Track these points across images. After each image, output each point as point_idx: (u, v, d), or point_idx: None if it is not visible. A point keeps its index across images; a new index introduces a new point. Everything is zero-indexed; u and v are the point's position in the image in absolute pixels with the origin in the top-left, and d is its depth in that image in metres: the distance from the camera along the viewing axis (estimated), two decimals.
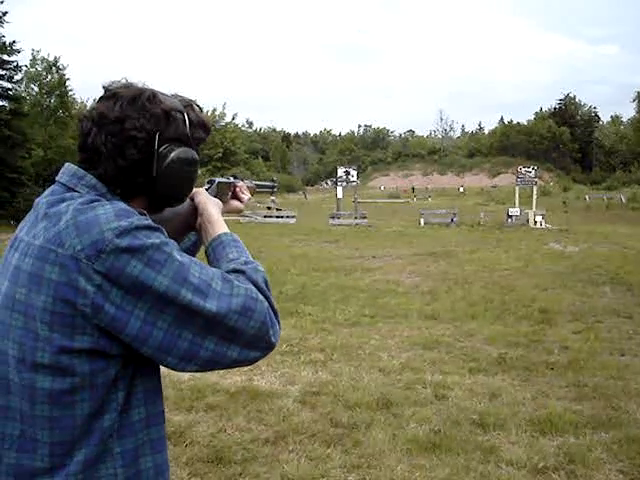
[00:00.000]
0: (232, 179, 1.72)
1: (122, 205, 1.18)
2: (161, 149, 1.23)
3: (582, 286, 10.35)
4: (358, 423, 4.44)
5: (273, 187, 2.11)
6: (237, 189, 1.71)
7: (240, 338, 1.17)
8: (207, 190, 1.57)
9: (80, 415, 1.13)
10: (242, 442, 4.13)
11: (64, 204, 1.18)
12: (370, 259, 14.18)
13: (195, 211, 1.45)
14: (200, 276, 1.15)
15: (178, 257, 1.14)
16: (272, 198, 38.35)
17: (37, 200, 1.26)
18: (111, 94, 1.25)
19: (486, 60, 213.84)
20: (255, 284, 1.22)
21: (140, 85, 1.29)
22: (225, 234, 1.37)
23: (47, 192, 1.25)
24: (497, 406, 4.81)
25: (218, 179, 1.65)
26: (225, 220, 1.44)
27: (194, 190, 1.44)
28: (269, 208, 32.23)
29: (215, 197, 1.55)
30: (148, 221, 1.17)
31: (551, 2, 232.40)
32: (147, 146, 1.22)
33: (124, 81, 1.29)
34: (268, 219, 27.51)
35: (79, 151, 1.26)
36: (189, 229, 1.49)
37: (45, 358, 1.12)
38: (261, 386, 5.25)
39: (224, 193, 1.64)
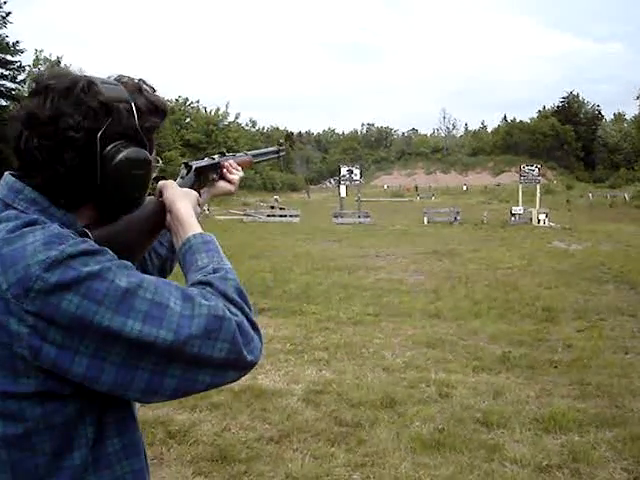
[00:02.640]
0: (217, 157, 1.51)
1: (55, 229, 1.00)
2: (105, 151, 1.06)
3: (586, 284, 10.33)
4: (362, 422, 4.45)
5: (278, 152, 1.80)
6: (224, 169, 1.51)
7: (209, 363, 1.02)
8: (183, 178, 1.39)
9: (42, 455, 1.02)
10: (246, 441, 4.14)
11: None
12: (373, 258, 14.17)
13: (164, 207, 1.25)
14: (153, 299, 0.99)
15: (123, 283, 0.97)
16: (275, 197, 38.50)
17: None
18: (41, 87, 1.07)
19: (490, 58, 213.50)
20: (225, 295, 1.07)
21: (76, 73, 1.10)
22: (194, 236, 1.18)
23: None
24: (501, 404, 4.81)
25: (195, 163, 1.44)
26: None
27: (162, 183, 1.28)
28: (272, 207, 32.28)
29: (194, 185, 1.39)
30: (85, 244, 1.00)
31: (556, 0, 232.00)
32: (87, 147, 1.05)
33: (57, 70, 1.11)
34: (271, 218, 27.51)
35: (15, 155, 1.09)
36: (158, 230, 1.28)
37: None
38: (265, 385, 5.26)
39: (206, 177, 1.46)
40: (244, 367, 1.07)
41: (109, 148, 1.07)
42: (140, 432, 1.18)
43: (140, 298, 0.98)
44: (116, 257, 1.03)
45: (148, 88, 1.19)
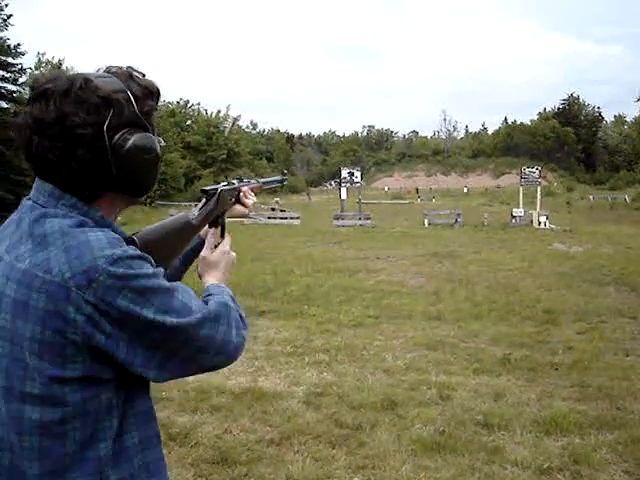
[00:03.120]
0: (236, 183, 1.67)
1: (112, 233, 1.13)
2: (113, 141, 1.12)
3: (586, 286, 10.33)
4: (363, 424, 4.45)
5: (282, 181, 2.03)
6: (241, 194, 1.66)
7: (212, 344, 1.19)
8: (207, 202, 1.51)
9: (71, 444, 1.09)
10: (247, 443, 4.14)
11: (48, 225, 1.10)
12: (374, 260, 14.17)
13: (191, 237, 1.45)
14: (182, 299, 1.15)
15: (166, 285, 1.14)
16: (276, 199, 38.49)
17: (16, 216, 1.18)
18: (41, 92, 1.12)
19: (490, 60, 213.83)
20: (221, 302, 1.28)
21: (69, 73, 1.16)
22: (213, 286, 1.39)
23: (26, 208, 1.17)
24: (502, 407, 4.80)
25: (221, 187, 1.58)
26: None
27: (203, 234, 1.51)
28: (273, 209, 32.28)
29: (217, 206, 1.52)
30: (137, 251, 1.13)
31: (557, 2, 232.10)
32: (96, 141, 1.11)
33: (50, 74, 1.16)
34: (272, 220, 27.51)
35: (28, 161, 1.15)
36: (178, 253, 1.48)
37: (35, 388, 1.06)
38: (266, 387, 5.26)
39: (227, 200, 1.60)
40: (234, 351, 1.25)
41: (117, 138, 1.13)
42: (158, 428, 1.26)
43: (175, 299, 1.13)
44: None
45: (138, 74, 1.22)
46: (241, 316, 1.30)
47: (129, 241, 1.18)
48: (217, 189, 1.55)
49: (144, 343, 1.10)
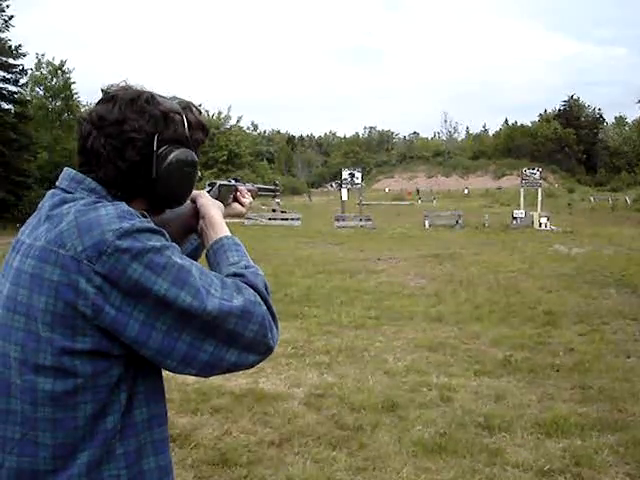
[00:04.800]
0: (233, 182, 1.71)
1: (124, 207, 1.17)
2: (160, 150, 1.23)
3: (587, 288, 10.32)
4: (363, 425, 4.44)
5: (275, 190, 2.10)
6: (238, 193, 1.71)
7: (239, 341, 1.16)
8: (208, 192, 1.56)
9: (83, 417, 1.13)
10: (247, 444, 4.14)
11: (66, 206, 1.18)
12: (375, 261, 14.17)
13: (196, 213, 1.44)
14: (200, 279, 1.14)
15: (179, 260, 1.14)
16: (277, 200, 38.44)
17: (40, 204, 1.26)
18: (110, 97, 1.24)
19: (491, 62, 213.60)
20: (255, 288, 1.22)
21: (139, 87, 1.28)
22: (227, 237, 1.37)
23: (47, 196, 1.25)
24: (502, 408, 4.80)
25: (220, 182, 1.64)
26: (228, 223, 1.44)
27: (196, 192, 1.44)
28: (274, 210, 32.27)
29: (216, 200, 1.54)
30: (150, 223, 1.16)
31: (558, 4, 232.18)
32: (146, 148, 1.22)
33: (123, 84, 1.29)
34: (273, 221, 27.53)
35: (78, 154, 1.26)
36: (190, 231, 1.48)
37: (47, 360, 1.11)
38: (266, 388, 5.26)
39: (226, 196, 1.64)
40: (266, 351, 1.21)
41: (164, 148, 1.24)
42: (167, 407, 1.29)
43: (191, 277, 1.13)
44: (170, 240, 1.19)
45: (195, 110, 1.36)
46: (272, 312, 1.24)
47: (143, 215, 1.19)
48: (216, 183, 1.62)
49: (159, 325, 1.11)
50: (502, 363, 6.00)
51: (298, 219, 27.47)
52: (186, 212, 1.44)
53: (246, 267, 1.28)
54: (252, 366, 1.23)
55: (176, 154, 1.25)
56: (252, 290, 1.21)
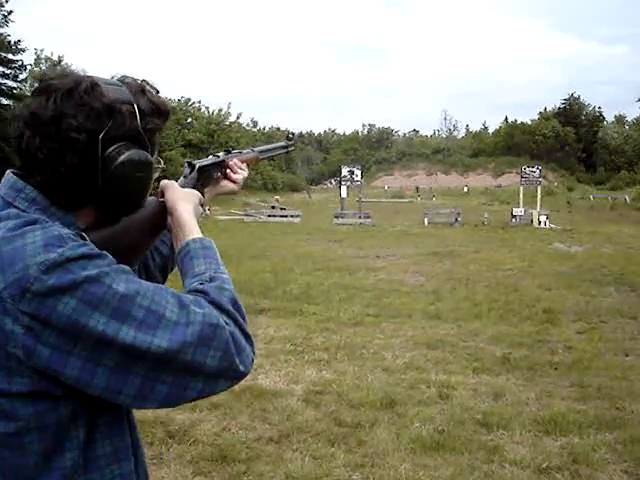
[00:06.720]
0: (222, 155, 1.48)
1: (55, 230, 1.00)
2: (106, 153, 1.06)
3: (586, 286, 10.33)
4: (362, 422, 4.45)
5: (287, 147, 1.74)
6: (228, 168, 1.50)
7: (201, 370, 1.02)
8: (186, 177, 1.38)
9: (33, 455, 1.01)
10: (246, 441, 4.14)
11: None
12: (374, 259, 14.17)
13: (165, 208, 1.24)
14: (149, 306, 0.99)
15: (121, 288, 0.98)
16: (276, 197, 38.46)
17: None
18: (43, 87, 1.06)
19: (491, 60, 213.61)
20: (219, 307, 1.06)
21: (78, 73, 1.10)
22: (193, 241, 1.18)
23: None
24: (501, 406, 4.81)
25: (199, 163, 1.41)
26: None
27: (164, 183, 1.27)
28: (273, 207, 32.28)
29: (197, 184, 1.38)
30: (84, 247, 0.99)
31: (560, 2, 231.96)
32: (89, 149, 1.04)
33: (59, 69, 1.13)
34: (272, 218, 27.52)
35: (17, 154, 1.09)
36: (159, 230, 1.28)
37: None
38: (265, 385, 5.26)
39: (210, 176, 1.44)
40: (235, 377, 1.07)
41: (110, 150, 1.06)
42: (136, 434, 1.18)
43: (137, 305, 0.98)
44: (115, 261, 1.02)
45: (151, 89, 1.17)
46: (242, 330, 1.08)
47: (80, 236, 1.04)
48: (195, 164, 1.41)
49: (104, 362, 0.97)
50: (501, 361, 6.01)
51: (297, 216, 27.44)
52: (150, 212, 1.23)
53: (211, 279, 1.11)
54: (224, 390, 1.09)
55: (125, 156, 1.07)
56: (214, 310, 1.05)
